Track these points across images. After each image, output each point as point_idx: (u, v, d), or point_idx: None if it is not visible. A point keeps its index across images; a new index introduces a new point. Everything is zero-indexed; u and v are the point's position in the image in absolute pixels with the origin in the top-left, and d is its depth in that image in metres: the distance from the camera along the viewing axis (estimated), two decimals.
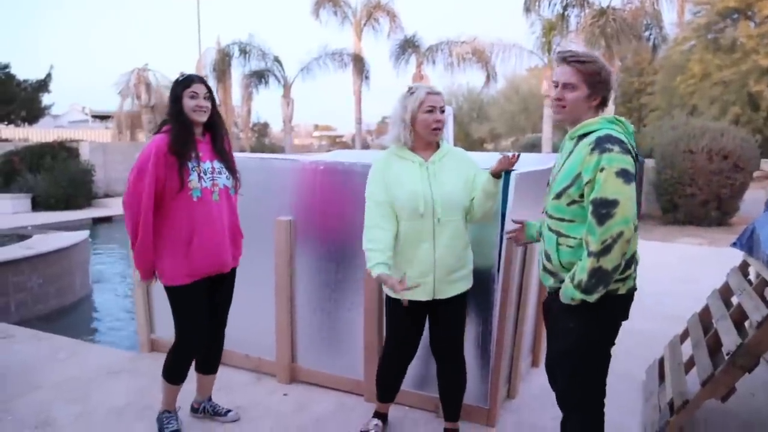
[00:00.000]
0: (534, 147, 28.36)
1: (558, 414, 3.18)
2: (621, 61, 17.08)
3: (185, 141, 2.65)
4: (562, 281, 2.10)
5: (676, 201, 10.88)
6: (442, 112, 2.56)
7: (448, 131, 8.25)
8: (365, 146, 24.56)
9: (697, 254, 8.20)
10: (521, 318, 3.27)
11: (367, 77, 21.55)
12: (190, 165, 2.64)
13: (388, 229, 2.51)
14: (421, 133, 2.55)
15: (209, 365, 3.06)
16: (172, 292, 2.73)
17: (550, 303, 2.27)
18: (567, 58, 2.06)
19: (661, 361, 3.58)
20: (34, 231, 7.57)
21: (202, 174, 2.67)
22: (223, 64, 19.65)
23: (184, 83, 2.68)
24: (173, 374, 2.85)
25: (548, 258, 2.16)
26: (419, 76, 21.39)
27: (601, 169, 1.90)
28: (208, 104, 2.70)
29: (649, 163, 11.74)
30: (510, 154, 2.45)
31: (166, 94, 12.20)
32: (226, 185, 2.78)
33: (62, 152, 15.49)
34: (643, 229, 10.67)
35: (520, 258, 3.13)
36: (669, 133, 11.31)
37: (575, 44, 16.08)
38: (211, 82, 20.09)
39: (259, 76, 20.99)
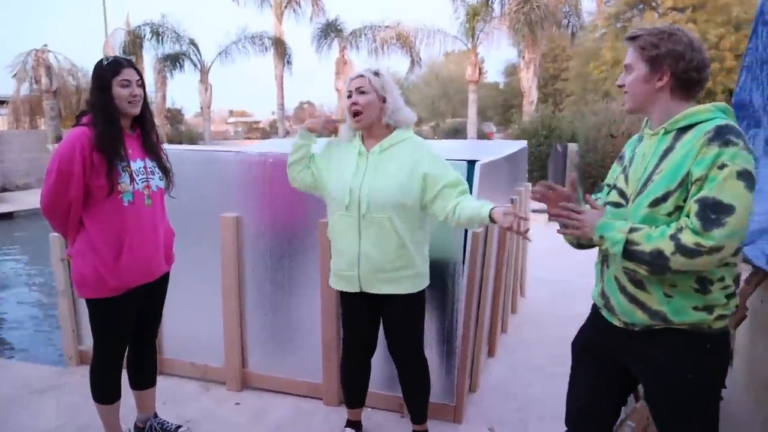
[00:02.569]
0: (457, 132, 28.99)
1: (523, 404, 3.23)
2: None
3: (114, 137, 2.32)
4: (654, 316, 1.68)
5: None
6: (362, 93, 2.38)
7: None
8: (286, 133, 24.05)
9: None
10: (482, 311, 3.24)
11: (289, 62, 21.16)
12: (120, 165, 2.32)
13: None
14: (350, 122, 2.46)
15: (145, 379, 2.77)
16: (95, 305, 2.43)
17: (623, 341, 1.78)
18: (628, 37, 1.74)
19: None
20: None
21: (133, 175, 2.37)
22: (133, 47, 18.56)
23: (112, 69, 2.33)
24: (103, 394, 2.56)
25: (639, 284, 1.70)
26: (342, 61, 21.26)
27: (721, 166, 1.52)
28: (141, 92, 2.41)
29: (573, 147, 12.20)
30: (513, 212, 2.13)
31: (70, 79, 11.33)
32: (159, 186, 2.50)
33: None
34: None
35: (481, 252, 3.08)
36: (591, 118, 11.78)
37: (499, 30, 16.43)
38: None
39: (174, 60, 20.08)
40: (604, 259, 1.82)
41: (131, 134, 2.44)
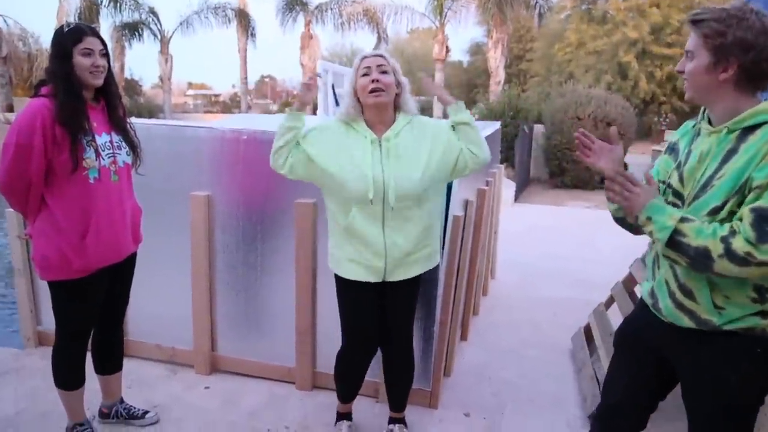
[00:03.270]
0: (422, 111, 28.90)
1: (498, 388, 3.23)
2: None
3: (76, 110, 2.16)
4: (702, 324, 1.61)
5: (564, 165, 11.51)
6: (384, 72, 2.25)
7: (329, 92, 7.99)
8: (249, 108, 23.56)
9: (589, 217, 8.73)
10: (458, 297, 3.21)
11: (253, 35, 20.64)
12: (84, 140, 2.17)
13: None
14: (363, 101, 2.28)
15: (111, 363, 2.65)
16: (59, 287, 2.30)
17: (669, 337, 1.73)
18: (689, 20, 1.56)
19: (587, 329, 3.71)
20: None
21: (99, 150, 2.23)
22: (90, 14, 17.72)
23: (73, 37, 2.16)
24: (66, 380, 2.44)
25: (688, 293, 1.62)
26: (308, 35, 20.85)
27: None
28: (105, 63, 2.22)
29: (539, 128, 12.29)
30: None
31: (20, 44, 10.76)
32: (126, 162, 2.36)
33: None
34: (534, 192, 11.23)
35: (460, 237, 3.04)
36: (557, 100, 11.86)
37: (467, 8, 16.27)
38: None
39: (133, 29, 19.33)
40: (657, 258, 1.74)
41: (95, 106, 2.27)
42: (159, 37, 19.77)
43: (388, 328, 2.46)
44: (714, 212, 1.51)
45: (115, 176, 2.29)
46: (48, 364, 2.47)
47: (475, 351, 3.69)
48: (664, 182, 1.71)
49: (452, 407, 3.00)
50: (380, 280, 2.34)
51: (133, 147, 2.39)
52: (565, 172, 11.57)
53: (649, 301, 1.76)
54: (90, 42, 2.18)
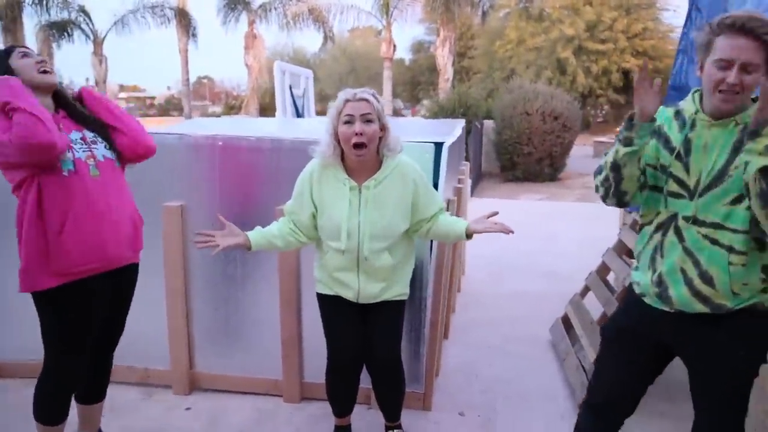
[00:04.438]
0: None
1: (487, 386, 3.21)
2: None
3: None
4: (716, 308, 1.67)
5: (515, 159, 11.73)
6: (368, 121, 2.12)
7: (309, 98, 7.91)
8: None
9: (544, 209, 8.91)
10: (445, 295, 3.18)
11: (194, 35, 20.01)
12: None
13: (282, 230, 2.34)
14: (345, 150, 2.18)
15: (96, 391, 2.46)
16: (40, 299, 2.11)
17: (671, 326, 1.77)
18: (754, 29, 1.52)
19: (565, 320, 3.75)
20: None
21: (71, 144, 2.09)
22: (12, 11, 16.68)
23: (4, 51, 2.13)
24: (49, 414, 2.22)
25: (708, 281, 1.66)
26: (252, 35, 20.48)
27: None
28: (50, 62, 2.17)
29: (488, 124, 12.48)
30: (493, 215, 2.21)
31: None
32: (107, 156, 2.19)
33: None
34: (487, 187, 11.39)
35: None
36: (506, 96, 12.07)
37: (412, 7, 16.32)
38: None
39: (61, 29, 18.37)
40: (660, 246, 1.76)
41: (55, 116, 2.10)
42: (92, 37, 18.90)
43: (373, 345, 2.39)
44: (736, 201, 1.59)
45: (95, 170, 2.12)
46: (4, 397, 2.24)
47: (459, 349, 3.68)
48: (654, 167, 1.75)
49: (445, 408, 2.96)
50: (355, 300, 2.35)
51: (111, 140, 2.22)
52: (516, 165, 11.79)
53: (652, 291, 1.78)
54: (23, 48, 2.14)
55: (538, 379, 3.30)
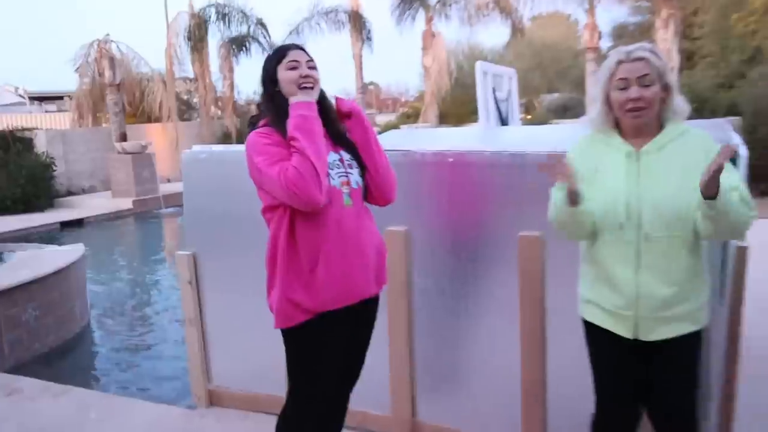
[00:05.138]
0: (566, 110, 27.99)
1: None
2: None
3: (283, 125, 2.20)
4: None
5: None
6: (646, 86, 2.05)
7: (513, 102, 7.77)
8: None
9: None
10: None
11: (368, 38, 21.02)
12: None
13: None
14: (619, 116, 2.14)
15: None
16: (288, 336, 2.28)
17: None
18: None
19: None
20: (10, 246, 7.06)
21: (327, 168, 2.19)
22: (199, 31, 18.94)
23: (276, 55, 2.27)
24: None
25: None
26: (430, 33, 20.93)
27: None
28: (316, 74, 2.25)
29: (735, 121, 11.27)
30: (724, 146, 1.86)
31: (135, 70, 11.59)
32: (360, 184, 2.30)
33: (16, 144, 14.83)
34: None
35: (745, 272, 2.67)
36: (760, 84, 10.79)
37: None
38: (186, 54, 19.47)
39: (239, 44, 20.37)
40: None
41: None
42: (268, 49, 20.68)
43: (658, 401, 2.18)
44: None
45: (349, 199, 2.23)
46: (223, 428, 2.41)
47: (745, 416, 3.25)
48: None
49: None
50: (631, 337, 2.13)
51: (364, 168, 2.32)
52: None
53: None
54: (294, 55, 2.23)
55: None
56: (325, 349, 2.25)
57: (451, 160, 2.91)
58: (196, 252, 3.48)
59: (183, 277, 3.47)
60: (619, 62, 2.10)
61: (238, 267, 3.33)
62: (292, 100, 2.17)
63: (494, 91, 6.84)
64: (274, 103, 2.25)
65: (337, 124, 2.32)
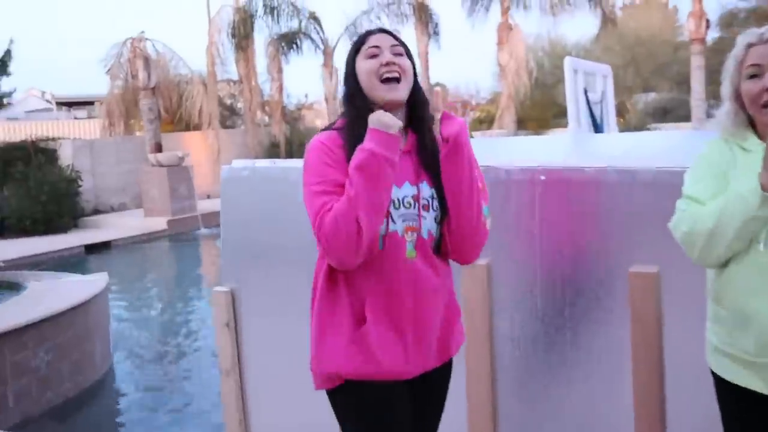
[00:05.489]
0: (666, 113, 27.30)
1: None
2: None
3: (353, 138, 2.00)
4: None
5: None
6: None
7: (608, 104, 7.60)
8: None
9: None
10: None
11: (436, 33, 21.19)
12: None
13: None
14: (755, 116, 2.04)
15: None
16: (332, 397, 2.17)
17: None
18: None
19: None
20: (24, 274, 7.20)
21: (391, 207, 2.01)
22: (245, 27, 19.44)
23: (355, 45, 2.12)
24: None
25: None
26: (506, 26, 20.95)
27: None
28: (404, 62, 2.04)
29: None
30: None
31: (173, 71, 11.78)
32: (432, 233, 2.07)
33: (38, 156, 15.41)
34: None
35: None
36: None
37: None
38: (230, 53, 19.98)
39: (289, 41, 20.84)
40: None
41: (399, 136, 1.98)
42: (322, 47, 21.07)
43: None
44: None
45: (413, 251, 2.03)
46: None
47: None
48: None
49: None
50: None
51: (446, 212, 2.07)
52: None
53: None
54: (375, 39, 2.08)
55: None
56: (377, 425, 2.12)
57: (543, 178, 2.82)
58: (234, 288, 3.44)
59: (219, 318, 3.43)
60: (749, 46, 2.02)
61: (285, 307, 3.27)
62: (371, 123, 1.93)
63: (586, 91, 6.75)
64: (352, 105, 2.09)
65: (430, 139, 2.07)
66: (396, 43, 2.07)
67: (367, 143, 1.91)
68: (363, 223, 1.85)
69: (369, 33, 2.13)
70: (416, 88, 2.09)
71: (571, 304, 2.81)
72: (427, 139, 2.09)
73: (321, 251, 2.00)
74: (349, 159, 1.96)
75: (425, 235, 2.05)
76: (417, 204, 2.04)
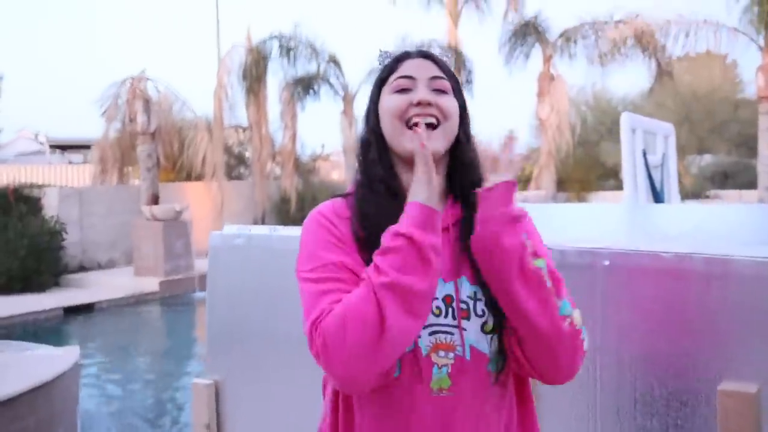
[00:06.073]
0: (727, 177, 27.15)
1: None
2: None
3: (367, 214, 1.63)
4: None
5: None
6: None
7: (669, 168, 7.38)
8: None
9: None
10: None
11: (469, 81, 21.33)
12: None
13: None
14: None
15: None
16: None
17: None
18: None
19: None
20: None
21: None
22: (257, 69, 19.62)
23: (383, 73, 1.73)
24: None
25: None
26: (548, 75, 21.07)
27: None
28: (444, 102, 1.65)
29: None
30: None
31: (176, 115, 11.71)
32: (480, 350, 1.61)
33: (19, 205, 15.36)
34: None
35: None
36: None
37: None
38: (240, 96, 20.13)
39: (306, 86, 21.01)
40: None
41: (438, 209, 1.57)
42: (341, 93, 21.18)
43: None
44: None
45: (446, 379, 1.59)
46: None
47: None
48: None
49: None
50: None
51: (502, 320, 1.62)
52: None
53: None
54: (410, 67, 1.68)
55: None
56: None
57: (606, 263, 2.53)
58: (219, 381, 3.20)
59: (198, 417, 3.15)
60: None
61: (281, 407, 3.04)
62: (410, 196, 1.54)
63: (644, 153, 6.55)
64: (366, 155, 1.72)
65: (474, 209, 1.61)
66: (439, 74, 1.67)
67: (403, 224, 1.51)
68: (395, 329, 1.44)
69: (404, 56, 1.73)
70: (464, 139, 1.71)
71: (642, 430, 2.52)
72: (473, 204, 1.64)
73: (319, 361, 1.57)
74: (354, 233, 1.61)
75: (467, 354, 1.61)
76: (454, 305, 1.61)
